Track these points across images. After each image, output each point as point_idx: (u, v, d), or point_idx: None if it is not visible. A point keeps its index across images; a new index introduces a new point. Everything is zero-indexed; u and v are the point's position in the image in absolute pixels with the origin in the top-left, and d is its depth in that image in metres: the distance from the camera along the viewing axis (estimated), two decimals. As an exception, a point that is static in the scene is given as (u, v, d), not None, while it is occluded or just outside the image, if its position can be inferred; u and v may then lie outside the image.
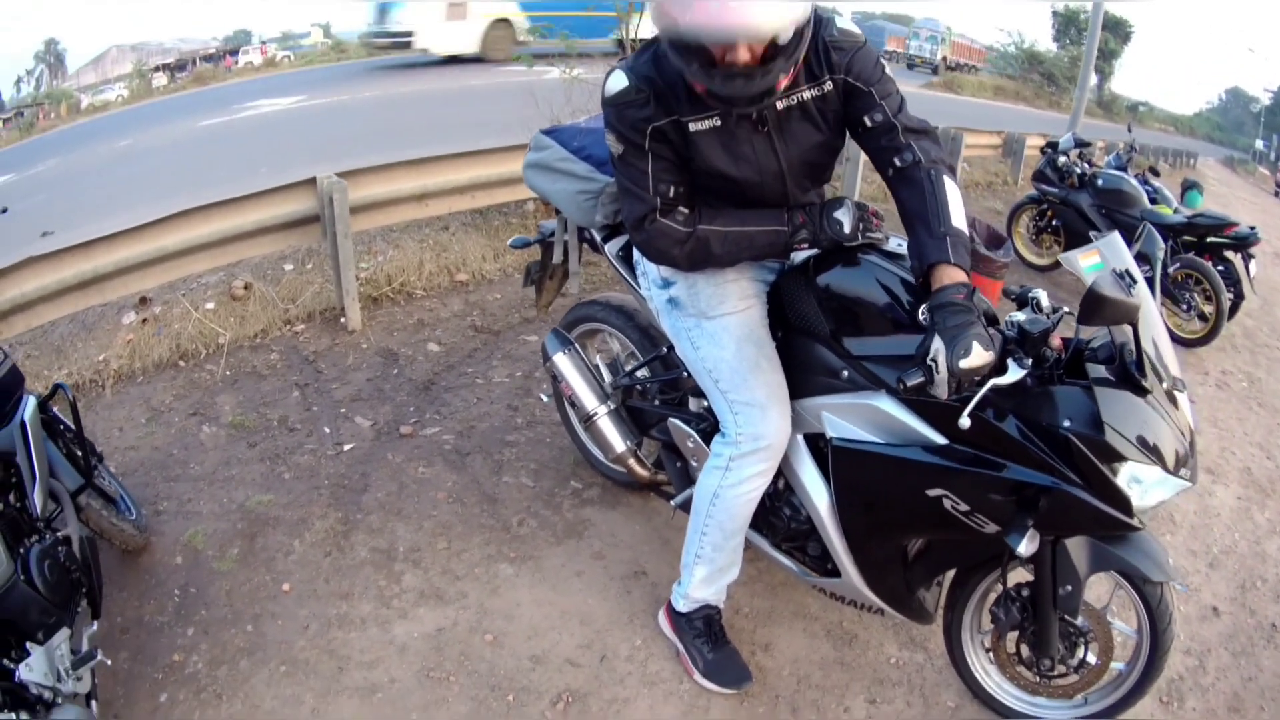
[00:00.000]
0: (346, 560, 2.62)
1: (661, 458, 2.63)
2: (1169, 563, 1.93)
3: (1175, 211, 6.09)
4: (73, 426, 2.46)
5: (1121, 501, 1.72)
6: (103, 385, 3.48)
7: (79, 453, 2.42)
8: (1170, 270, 5.46)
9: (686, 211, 1.96)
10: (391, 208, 4.22)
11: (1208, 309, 5.37)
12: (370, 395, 3.51)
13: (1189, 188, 10.85)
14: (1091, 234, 6.57)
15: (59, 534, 2.09)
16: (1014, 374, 1.70)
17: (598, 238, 2.58)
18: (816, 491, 2.11)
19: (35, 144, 13.00)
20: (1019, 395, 1.76)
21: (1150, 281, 1.71)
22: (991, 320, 1.87)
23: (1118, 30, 31.34)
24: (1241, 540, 3.32)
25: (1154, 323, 1.78)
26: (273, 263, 4.38)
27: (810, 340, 2.11)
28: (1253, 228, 5.65)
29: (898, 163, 1.90)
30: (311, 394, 3.49)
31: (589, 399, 2.63)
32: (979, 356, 1.65)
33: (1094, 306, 1.63)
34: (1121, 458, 1.69)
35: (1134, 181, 6.14)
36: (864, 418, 1.98)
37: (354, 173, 3.95)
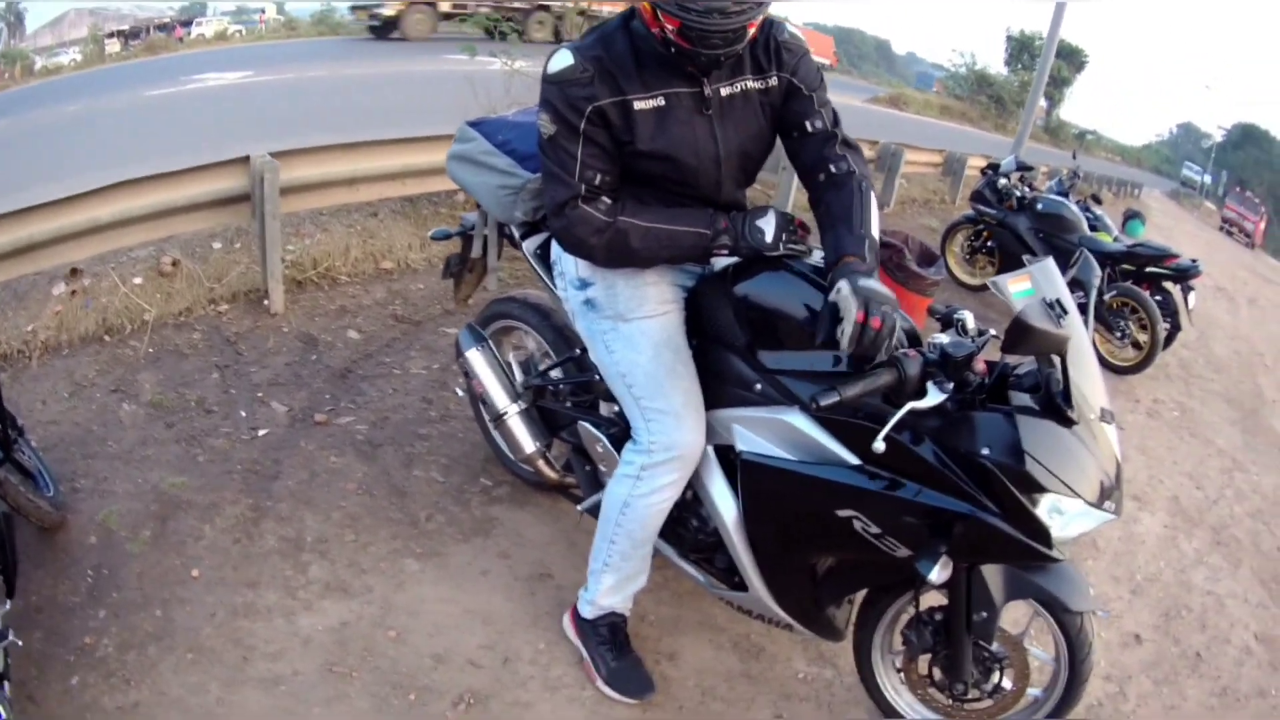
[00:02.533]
0: (255, 548, 2.68)
1: (571, 460, 2.68)
2: (1089, 591, 1.95)
3: (1115, 240, 6.25)
4: None
5: (1041, 532, 1.71)
6: (29, 356, 3.46)
7: (0, 426, 2.46)
8: (1106, 298, 5.62)
9: (610, 202, 1.95)
10: (322, 190, 4.22)
11: (1142, 338, 5.54)
12: (288, 380, 3.56)
13: (1131, 217, 11.30)
14: (1025, 258, 6.79)
15: (-28, 509, 2.14)
16: (933, 398, 1.70)
17: (516, 234, 2.59)
18: (725, 504, 2.12)
19: None
20: (938, 419, 1.76)
21: (1084, 308, 1.87)
22: (914, 340, 1.91)
23: (1072, 59, 31.98)
24: (1166, 569, 3.47)
25: (1084, 352, 1.76)
26: (202, 240, 4.35)
27: (725, 350, 2.11)
28: (1194, 260, 5.80)
29: (832, 170, 1.99)
30: (230, 376, 3.53)
31: (500, 397, 2.67)
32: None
33: (1020, 336, 1.61)
34: (1042, 489, 1.68)
35: (1074, 208, 6.27)
36: (776, 433, 1.98)
37: (287, 153, 3.95)
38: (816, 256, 2.02)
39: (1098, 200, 7.60)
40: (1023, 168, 6.63)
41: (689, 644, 2.58)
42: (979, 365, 1.80)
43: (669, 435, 2.07)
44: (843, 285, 1.74)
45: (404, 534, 2.83)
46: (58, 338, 3.58)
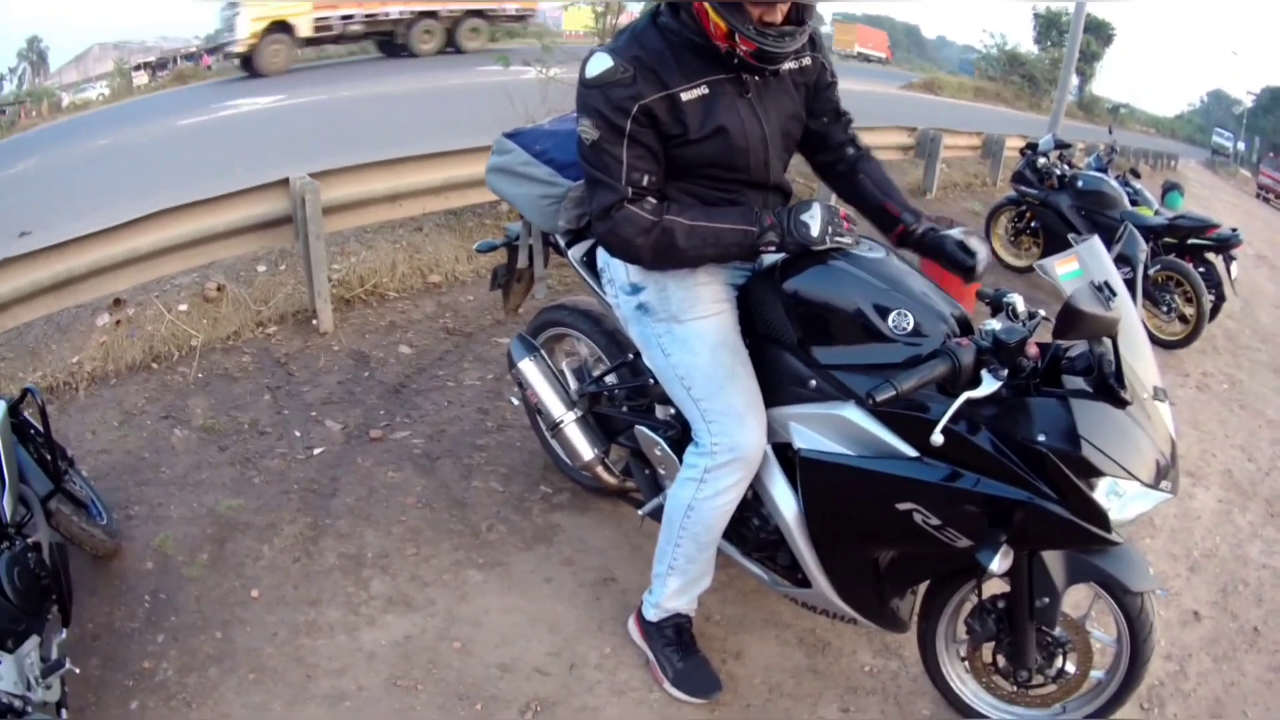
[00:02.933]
0: (315, 566, 2.64)
1: (630, 465, 2.64)
2: (1149, 571, 1.92)
3: (1156, 213, 6.14)
4: (42, 431, 2.48)
5: (1099, 516, 1.70)
6: (76, 387, 3.47)
7: (49, 457, 2.43)
8: (1150, 272, 5.48)
9: (655, 202, 1.96)
10: (364, 209, 4.22)
11: (1188, 311, 5.44)
12: (341, 398, 3.52)
13: (1170, 189, 10.97)
14: (1070, 236, 6.69)
15: (29, 540, 2.10)
16: (988, 386, 1.69)
17: (562, 243, 2.57)
18: (785, 503, 2.09)
19: (15, 142, 12.98)
20: (993, 407, 1.75)
21: (1130, 284, 1.76)
22: (965, 328, 1.91)
23: (1099, 33, 31.73)
24: (1223, 544, 3.38)
25: (1135, 332, 1.76)
26: (246, 264, 4.36)
27: (778, 348, 2.09)
28: (1234, 229, 5.72)
29: (852, 152, 2.22)
30: (283, 397, 3.50)
31: (555, 406, 2.63)
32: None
33: (1071, 321, 1.61)
34: (1099, 472, 1.67)
35: (1114, 183, 6.18)
36: (832, 428, 1.97)
37: (327, 173, 3.95)
38: (864, 248, 2.04)
39: (1136, 174, 7.36)
40: (1060, 145, 6.59)
41: (754, 642, 2.51)
42: (1031, 349, 1.78)
43: (731, 437, 2.05)
44: (955, 231, 2.05)
45: (466, 545, 2.77)
46: (104, 368, 3.59)
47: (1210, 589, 3.06)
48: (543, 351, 2.72)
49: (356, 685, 2.26)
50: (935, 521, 1.84)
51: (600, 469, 2.68)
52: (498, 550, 2.75)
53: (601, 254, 2.26)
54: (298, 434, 3.27)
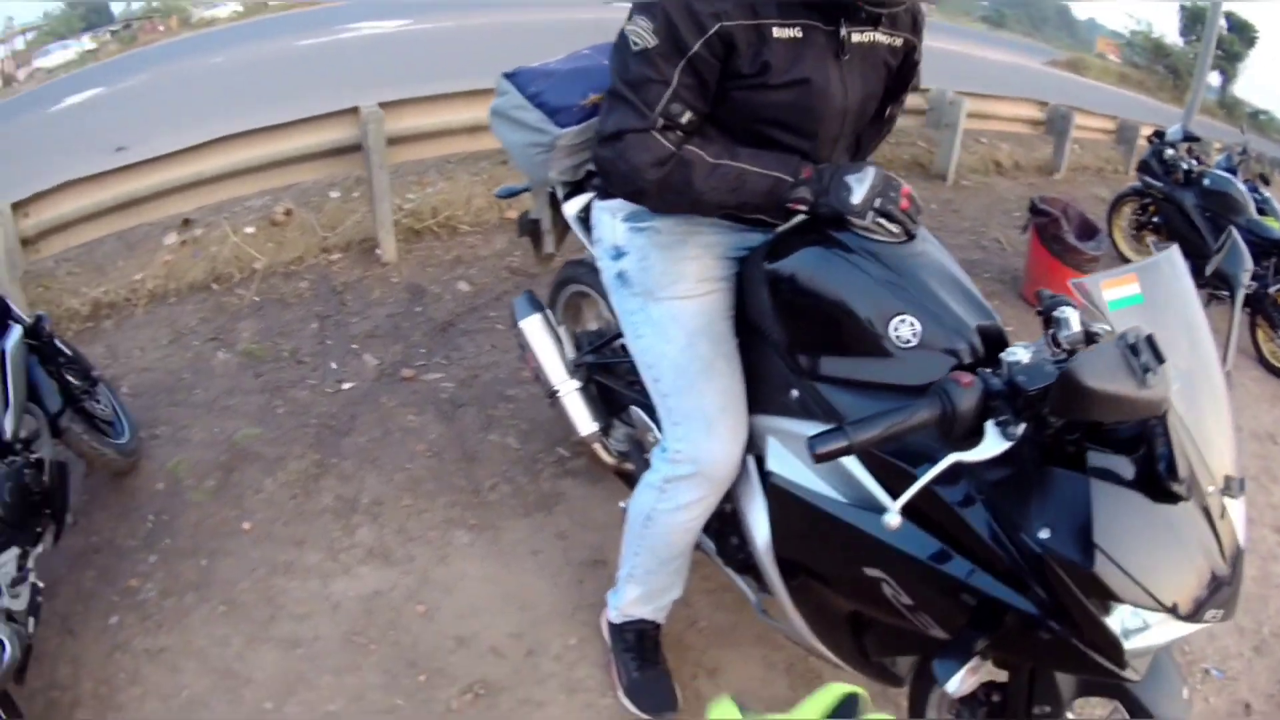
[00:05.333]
0: (309, 505, 2.81)
1: (628, 446, 2.54)
2: (1183, 693, 1.59)
3: None
4: (68, 353, 2.76)
5: (1110, 645, 1.37)
6: (136, 304, 3.81)
7: (69, 378, 2.71)
8: (1271, 290, 5.36)
9: (682, 134, 1.75)
10: (440, 139, 4.34)
11: None
12: (386, 332, 3.69)
13: None
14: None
15: (31, 457, 2.36)
16: (988, 449, 1.35)
17: (559, 194, 2.43)
18: (759, 527, 1.90)
19: (133, 57, 14.06)
20: (1003, 469, 1.43)
21: (1231, 301, 1.66)
22: (994, 345, 1.60)
23: (1243, 33, 29.72)
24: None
25: (1208, 403, 1.40)
26: (319, 189, 4.62)
27: (764, 344, 1.89)
28: None
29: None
30: (330, 326, 3.71)
31: (554, 373, 2.57)
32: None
33: (1073, 400, 1.24)
34: (1116, 597, 1.32)
35: (1242, 187, 5.93)
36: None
37: (398, 103, 4.10)
38: (923, 239, 1.78)
39: (1266, 181, 6.96)
40: (1190, 138, 6.39)
41: (736, 660, 2.42)
42: None
43: (695, 445, 1.89)
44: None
45: (462, 502, 2.86)
46: (165, 286, 3.91)
47: (1271, 678, 2.74)
48: (548, 311, 2.66)
49: (314, 634, 2.40)
50: (906, 600, 1.60)
51: (598, 446, 2.64)
52: (493, 512, 2.82)
53: (595, 207, 2.11)
54: (333, 366, 3.46)
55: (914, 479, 1.40)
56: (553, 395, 2.61)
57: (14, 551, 2.17)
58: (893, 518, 1.38)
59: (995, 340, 1.60)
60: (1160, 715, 1.54)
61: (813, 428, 1.59)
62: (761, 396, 1.91)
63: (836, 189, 1.72)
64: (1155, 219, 6.41)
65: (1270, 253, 5.48)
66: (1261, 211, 5.98)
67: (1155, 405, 1.24)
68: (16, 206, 3.55)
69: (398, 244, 4.22)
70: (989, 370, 1.40)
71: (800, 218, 1.82)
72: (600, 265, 2.14)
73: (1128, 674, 1.40)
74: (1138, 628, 1.37)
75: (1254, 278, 5.32)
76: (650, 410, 2.25)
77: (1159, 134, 6.50)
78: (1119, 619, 1.36)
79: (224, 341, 3.60)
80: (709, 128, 1.79)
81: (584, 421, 2.58)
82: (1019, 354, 1.40)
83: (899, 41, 1.86)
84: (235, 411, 3.22)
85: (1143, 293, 1.39)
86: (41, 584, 2.24)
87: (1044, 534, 1.36)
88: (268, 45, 11.86)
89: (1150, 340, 1.24)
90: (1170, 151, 6.16)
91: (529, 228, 2.78)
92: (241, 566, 2.61)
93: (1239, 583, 1.39)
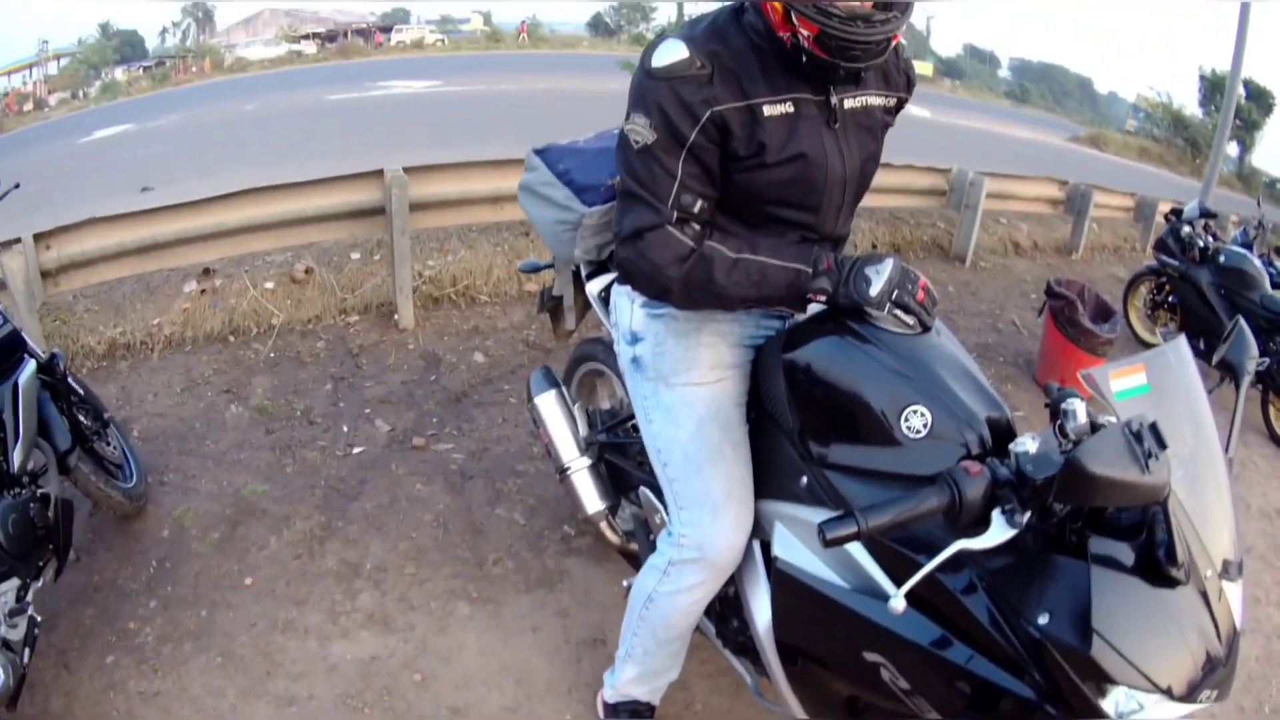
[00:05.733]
0: (313, 566, 2.84)
1: (634, 526, 2.58)
2: None
3: None
4: (80, 391, 2.83)
5: None
6: (152, 349, 3.90)
7: (80, 417, 2.76)
8: None
9: (699, 228, 1.78)
10: (462, 207, 4.47)
11: None
12: (400, 399, 3.76)
13: None
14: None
15: (38, 491, 2.41)
16: (993, 536, 1.39)
17: (582, 272, 2.47)
18: (760, 611, 1.94)
19: (165, 96, 14.61)
20: (1006, 557, 1.48)
21: (1236, 388, 1.73)
22: (1003, 436, 1.64)
23: (1261, 100, 30.38)
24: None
25: (1209, 489, 1.46)
26: (340, 250, 4.73)
27: (776, 430, 1.92)
28: None
29: None
30: (344, 389, 3.78)
31: (566, 449, 2.60)
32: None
33: (1076, 485, 1.30)
34: (1111, 680, 1.37)
35: (1258, 262, 5.97)
36: (817, 540, 1.66)
37: (423, 169, 4.23)
38: (937, 331, 1.83)
39: None
40: (1206, 214, 6.38)
41: None
42: None
43: (700, 531, 1.93)
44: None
45: (465, 574, 2.89)
46: (182, 333, 4.00)
47: (1271, 754, 2.72)
48: (564, 388, 2.70)
49: (309, 693, 2.42)
50: (904, 685, 1.64)
51: (604, 525, 2.67)
52: (495, 586, 2.85)
53: (615, 291, 2.14)
54: (345, 429, 3.53)
55: (918, 565, 1.44)
56: (563, 472, 2.64)
57: (14, 583, 2.23)
58: (897, 602, 1.41)
59: (1004, 431, 1.65)
60: None
61: (821, 514, 1.66)
62: (770, 482, 1.94)
63: (855, 281, 1.75)
64: (1171, 298, 6.40)
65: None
66: (1276, 285, 5.98)
67: (1157, 491, 1.29)
68: (39, 238, 3.66)
69: (416, 310, 4.33)
70: (997, 459, 1.45)
71: (818, 307, 1.85)
72: (617, 349, 2.17)
73: None
74: (1133, 710, 1.39)
75: (1265, 353, 5.44)
76: (659, 492, 2.26)
77: (1176, 212, 6.50)
78: (1114, 701, 1.39)
79: (237, 395, 3.68)
80: (721, 217, 1.83)
81: (592, 500, 2.62)
82: (1027, 444, 1.44)
83: (893, 101, 1.91)
84: (244, 466, 3.28)
85: (1149, 382, 1.45)
86: (39, 617, 2.29)
87: (1043, 619, 1.41)
88: (299, 96, 12.35)
89: (1154, 427, 1.30)
90: (1187, 229, 6.16)
91: (550, 304, 2.86)
92: (241, 620, 2.64)
93: (1234, 664, 1.44)
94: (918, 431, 1.65)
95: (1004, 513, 1.39)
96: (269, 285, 4.30)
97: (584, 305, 2.76)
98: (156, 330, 3.98)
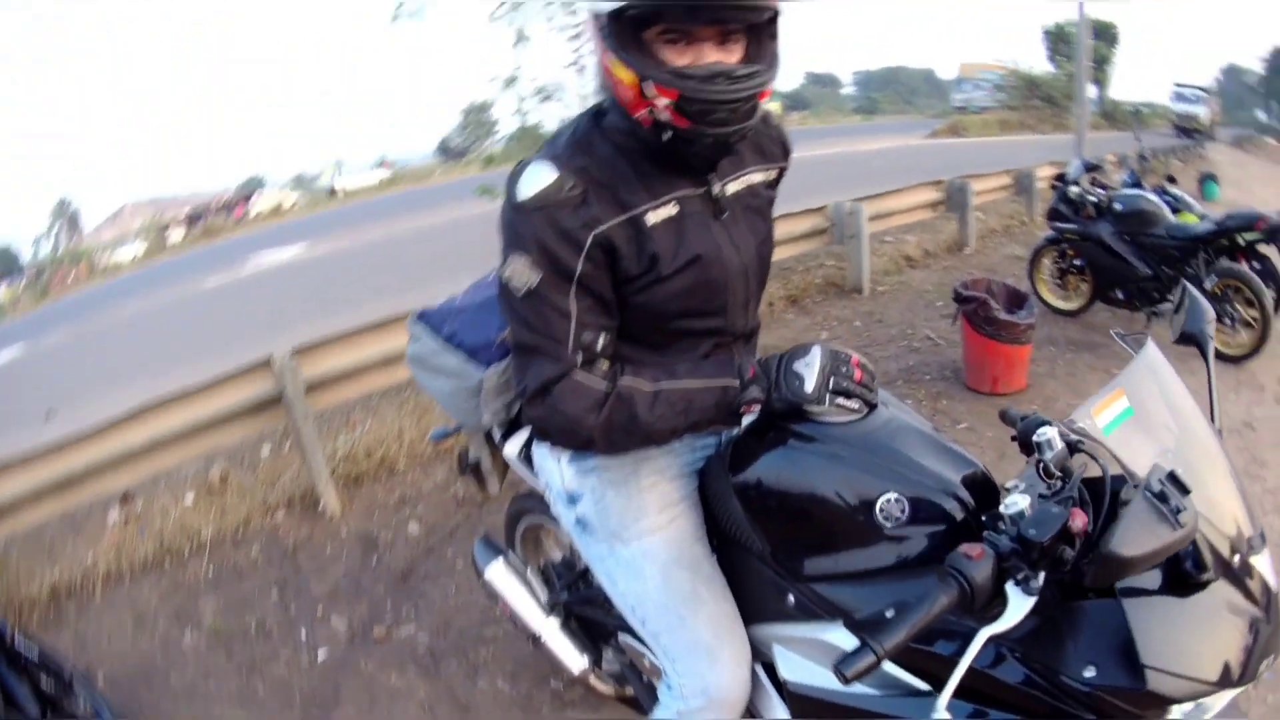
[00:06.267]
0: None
1: (624, 671, 2.53)
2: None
3: (1202, 219, 6.22)
4: (33, 653, 2.81)
5: None
6: (92, 589, 3.88)
7: (44, 678, 2.75)
8: (1208, 285, 5.57)
9: (607, 365, 1.68)
10: (358, 377, 4.51)
11: (1251, 315, 5.49)
12: (348, 591, 3.83)
13: (1205, 180, 11.11)
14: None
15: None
16: (1015, 612, 1.32)
17: (496, 435, 2.36)
18: None
19: (50, 311, 14.32)
20: (1028, 619, 1.36)
21: (1204, 359, 1.72)
22: (985, 497, 1.60)
23: (1105, 35, 33.02)
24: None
25: (1208, 475, 1.44)
26: (250, 446, 4.80)
27: (745, 554, 1.84)
28: None
29: None
30: (290, 592, 3.83)
31: (532, 617, 2.53)
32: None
33: (1116, 570, 1.27)
34: (1170, 700, 1.33)
35: (1153, 197, 6.25)
36: (823, 653, 1.69)
37: (312, 347, 4.27)
38: (884, 405, 1.75)
39: (1172, 179, 7.57)
40: (1090, 168, 6.65)
41: None
42: (1074, 522, 1.34)
43: (701, 678, 1.83)
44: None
45: (470, 758, 2.98)
46: (118, 566, 4.00)
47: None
48: (510, 553, 2.64)
49: None
50: None
51: (593, 680, 2.63)
52: (505, 761, 2.95)
53: (536, 450, 2.03)
54: (303, 635, 3.57)
55: (939, 657, 1.44)
56: (535, 640, 2.61)
57: None
58: (942, 714, 1.33)
59: (982, 484, 1.63)
60: None
61: (818, 628, 1.69)
62: (756, 607, 1.86)
63: (787, 381, 1.66)
64: (1077, 262, 6.57)
65: (1197, 250, 5.75)
66: (1176, 211, 6.26)
67: (1189, 536, 1.28)
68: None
69: (339, 493, 4.41)
70: (994, 531, 1.40)
71: (753, 417, 1.77)
72: (556, 511, 2.07)
73: None
74: (1200, 715, 1.38)
75: (1186, 278, 5.41)
76: (638, 636, 2.13)
77: (1060, 177, 6.65)
78: (1182, 711, 1.36)
79: (188, 620, 3.69)
80: (625, 347, 1.74)
81: (573, 660, 2.56)
82: (1018, 502, 1.39)
83: (774, 173, 1.87)
84: (216, 696, 3.30)
85: (1131, 405, 1.41)
86: None
87: (1089, 673, 1.35)
88: (177, 290, 12.78)
89: (1172, 476, 1.31)
90: (1075, 189, 6.34)
91: (470, 467, 2.68)
92: None
93: (1277, 619, 1.42)
94: (898, 519, 1.59)
95: (1018, 584, 1.33)
96: (190, 498, 4.31)
97: (504, 467, 2.63)
98: (92, 568, 3.97)
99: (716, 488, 1.87)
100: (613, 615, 2.29)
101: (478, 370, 2.11)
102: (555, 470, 1.96)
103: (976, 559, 1.31)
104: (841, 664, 1.29)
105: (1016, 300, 5.37)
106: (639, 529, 1.86)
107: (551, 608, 2.57)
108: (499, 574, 2.55)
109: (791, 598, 1.74)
